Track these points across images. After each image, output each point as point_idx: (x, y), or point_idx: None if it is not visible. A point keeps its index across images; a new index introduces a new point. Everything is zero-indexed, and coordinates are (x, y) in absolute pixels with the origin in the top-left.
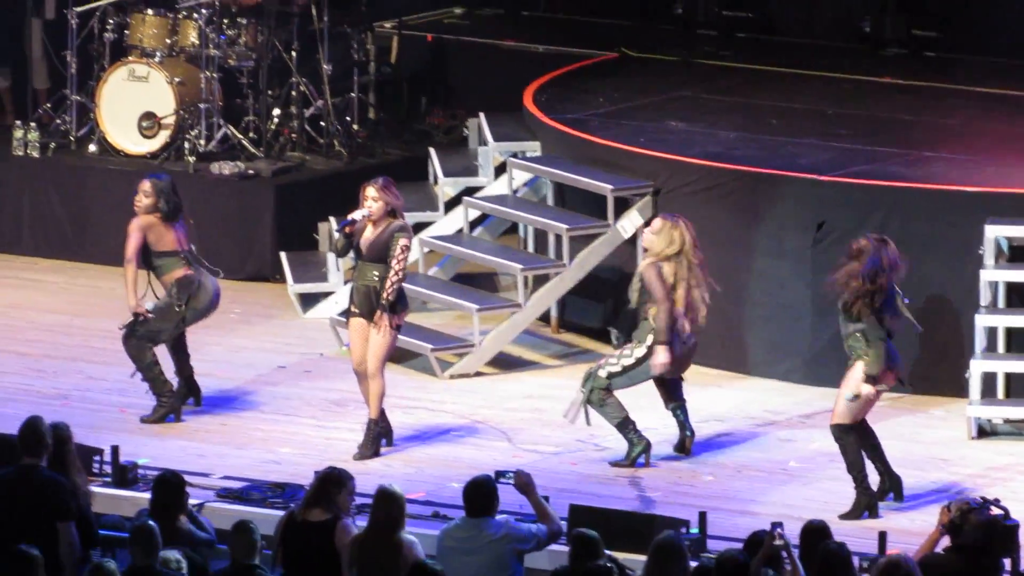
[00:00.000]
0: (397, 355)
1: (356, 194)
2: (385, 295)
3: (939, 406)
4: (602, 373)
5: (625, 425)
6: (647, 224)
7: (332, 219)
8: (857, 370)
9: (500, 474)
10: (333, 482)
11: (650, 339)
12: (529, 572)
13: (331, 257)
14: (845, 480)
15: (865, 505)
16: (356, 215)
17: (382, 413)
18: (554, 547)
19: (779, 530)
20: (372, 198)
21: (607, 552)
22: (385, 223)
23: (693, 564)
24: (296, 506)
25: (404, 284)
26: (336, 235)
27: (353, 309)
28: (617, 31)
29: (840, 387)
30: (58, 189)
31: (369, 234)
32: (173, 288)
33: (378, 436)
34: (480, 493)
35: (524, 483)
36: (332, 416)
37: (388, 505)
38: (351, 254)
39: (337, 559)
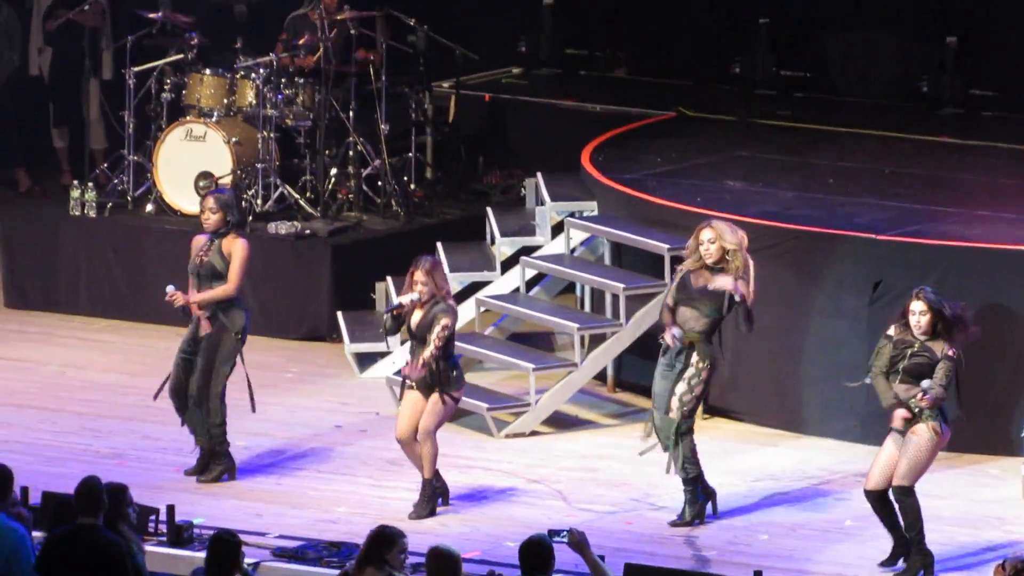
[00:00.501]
0: (453, 414)
1: (413, 253)
2: (422, 367)
3: (994, 465)
4: (677, 415)
5: (698, 480)
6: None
7: (389, 279)
8: (922, 430)
9: (553, 533)
10: (385, 541)
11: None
12: None
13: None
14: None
15: (921, 565)
16: (404, 299)
17: (437, 473)
18: None
19: None
20: (421, 282)
21: None
22: (431, 303)
23: None
24: (350, 566)
25: (463, 345)
26: (385, 316)
27: (409, 383)
28: (674, 91)
29: (904, 450)
30: (115, 249)
31: (417, 317)
32: (229, 320)
33: (433, 495)
34: (535, 552)
35: (578, 541)
36: (388, 475)
37: (442, 565)
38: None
39: None
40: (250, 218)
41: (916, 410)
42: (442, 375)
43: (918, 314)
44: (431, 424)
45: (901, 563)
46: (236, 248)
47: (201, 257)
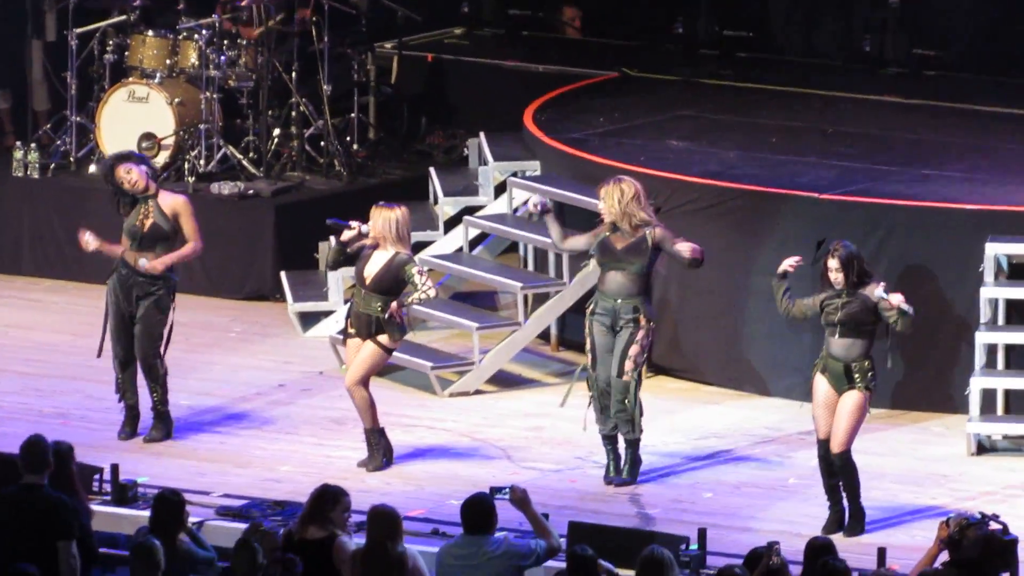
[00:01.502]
0: (396, 372)
1: (356, 214)
2: (411, 301)
3: (939, 422)
4: (632, 375)
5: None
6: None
7: (332, 238)
8: (856, 397)
9: (496, 490)
10: (328, 499)
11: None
12: None
13: (331, 276)
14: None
15: (859, 522)
16: (354, 223)
17: (382, 429)
18: (551, 563)
19: (777, 547)
20: (373, 217)
21: (606, 564)
22: (391, 253)
23: None
24: (293, 525)
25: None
26: (332, 242)
27: (350, 331)
28: (618, 51)
29: (839, 416)
30: (58, 210)
31: (374, 265)
32: (164, 285)
33: (380, 445)
34: (478, 510)
35: (520, 498)
36: (332, 434)
37: (383, 523)
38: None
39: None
40: (191, 178)
41: (855, 375)
42: (390, 321)
43: (834, 271)
44: (360, 373)
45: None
46: (180, 206)
47: (143, 221)
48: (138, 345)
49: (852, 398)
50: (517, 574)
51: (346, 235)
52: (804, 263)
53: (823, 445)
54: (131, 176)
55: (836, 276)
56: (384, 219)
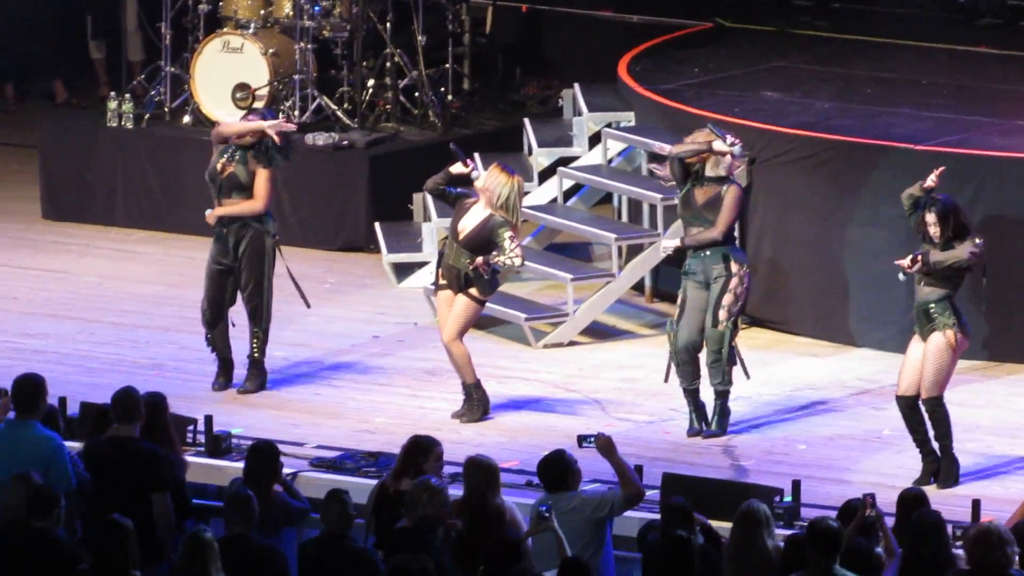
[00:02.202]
0: (491, 324)
1: (449, 164)
2: (495, 262)
3: None
4: (727, 325)
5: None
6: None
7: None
8: (938, 339)
9: (583, 438)
10: (420, 450)
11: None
12: (623, 540)
13: (425, 227)
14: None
15: (952, 473)
16: (470, 161)
17: (479, 382)
18: (645, 513)
19: (870, 500)
20: (488, 173)
21: (700, 517)
22: (487, 214)
23: (788, 532)
24: (387, 476)
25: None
26: (452, 149)
27: (441, 282)
28: (712, 1)
29: (925, 360)
30: (152, 160)
31: (469, 221)
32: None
33: (480, 400)
34: (553, 469)
35: (605, 445)
36: (426, 385)
37: (480, 474)
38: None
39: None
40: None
41: (933, 315)
42: (472, 277)
43: (931, 225)
44: (456, 329)
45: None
46: (262, 168)
47: (224, 166)
48: (262, 301)
49: (934, 340)
50: (598, 527)
51: (457, 168)
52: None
53: (901, 400)
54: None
55: (933, 230)
56: (498, 181)
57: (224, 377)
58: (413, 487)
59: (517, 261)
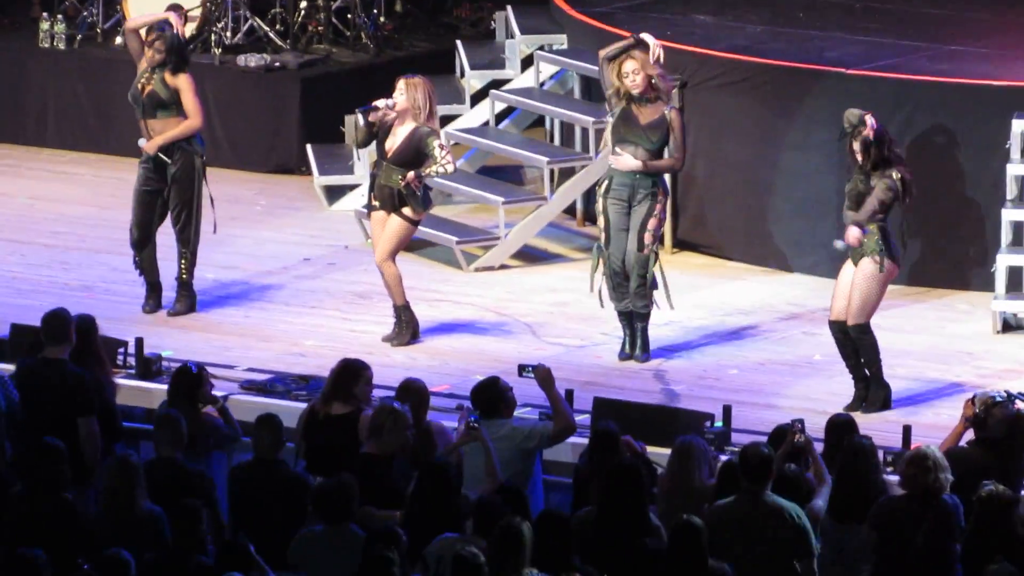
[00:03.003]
0: (422, 247)
1: (383, 87)
2: (428, 172)
3: (964, 300)
4: (651, 249)
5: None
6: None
7: (358, 112)
8: (867, 265)
9: (523, 367)
10: (350, 374)
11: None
12: (556, 466)
13: (357, 150)
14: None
15: (881, 398)
16: (379, 103)
17: (407, 305)
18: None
19: (799, 426)
20: (399, 90)
21: (637, 445)
22: (412, 127)
23: (722, 458)
24: (315, 401)
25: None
26: (360, 121)
27: (375, 204)
28: None
29: (853, 287)
30: (84, 81)
31: (396, 138)
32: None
33: (408, 322)
34: (483, 396)
35: (544, 377)
36: (356, 308)
37: (411, 397)
38: (373, 145)
39: (356, 447)
40: (217, 50)
41: (862, 243)
42: (410, 192)
43: (856, 152)
44: (388, 249)
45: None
46: (181, 81)
47: (143, 85)
48: (180, 222)
49: (863, 267)
50: (527, 455)
51: (373, 115)
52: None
53: (833, 325)
54: (154, 49)
55: (858, 157)
56: (409, 92)
57: (153, 300)
58: (376, 413)
59: (449, 168)
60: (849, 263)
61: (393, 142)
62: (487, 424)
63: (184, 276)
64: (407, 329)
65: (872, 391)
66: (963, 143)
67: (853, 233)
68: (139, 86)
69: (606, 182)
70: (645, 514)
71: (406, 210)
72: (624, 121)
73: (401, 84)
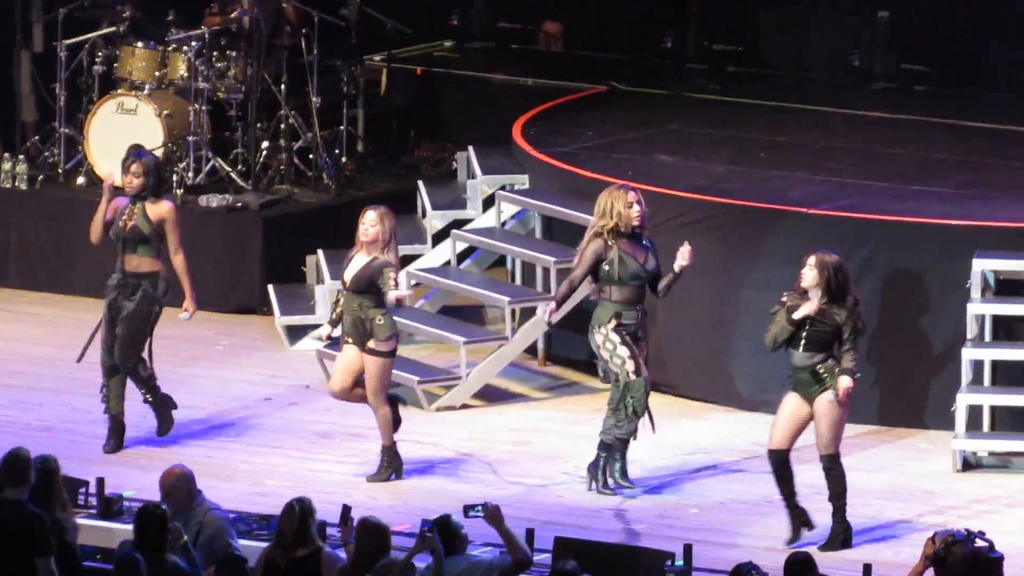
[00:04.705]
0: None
1: (345, 227)
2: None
3: (925, 439)
4: (632, 377)
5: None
6: None
7: (320, 252)
8: (831, 395)
9: (469, 508)
10: (308, 513)
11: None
12: None
13: (318, 289)
14: (828, 512)
15: (842, 534)
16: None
17: (394, 444)
18: None
19: (753, 572)
20: (371, 222)
21: None
22: (371, 257)
23: None
24: (271, 551)
25: (394, 318)
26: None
27: (345, 338)
28: (606, 65)
29: (819, 420)
30: (45, 221)
31: (354, 266)
32: (151, 281)
33: (392, 463)
34: (440, 533)
35: (493, 515)
36: (318, 448)
37: (372, 536)
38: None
39: None
40: (179, 190)
41: (823, 376)
42: (372, 325)
43: (807, 267)
44: (374, 388)
45: (804, 533)
46: (166, 213)
47: (126, 221)
48: (118, 347)
49: (826, 398)
50: None
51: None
52: (791, 277)
53: (772, 454)
54: (131, 173)
55: (808, 273)
56: (382, 220)
57: (115, 438)
58: (383, 568)
59: (390, 295)
60: (794, 396)
61: (351, 271)
62: (445, 562)
63: (155, 405)
64: (386, 469)
65: (834, 527)
66: (924, 282)
67: (845, 384)
68: (120, 223)
69: (614, 319)
70: None
71: (371, 343)
72: (627, 266)
73: (373, 215)
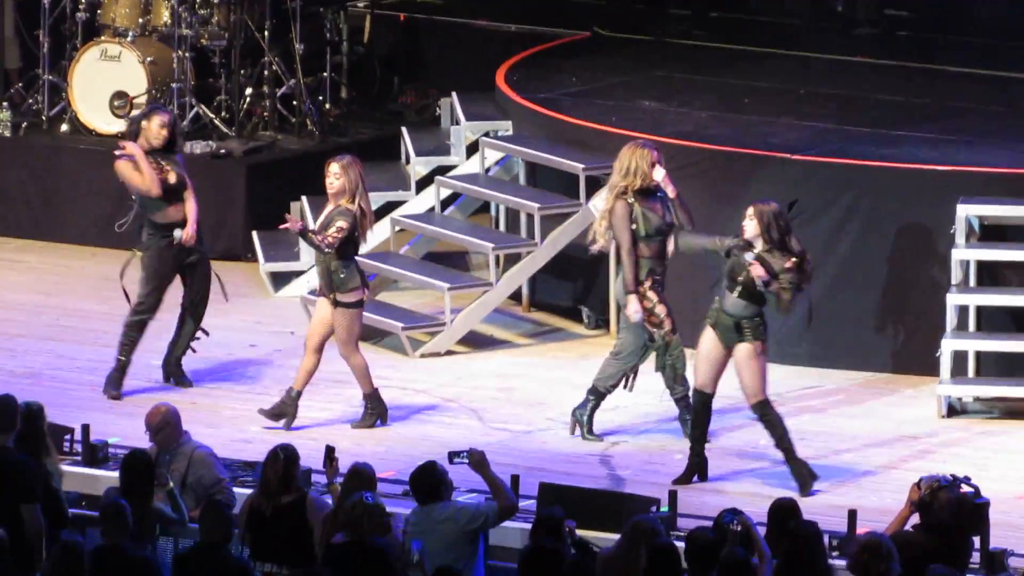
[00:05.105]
0: (369, 334)
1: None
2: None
3: (910, 385)
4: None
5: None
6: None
7: (304, 199)
8: (748, 348)
9: (454, 454)
10: (293, 461)
11: None
12: (502, 551)
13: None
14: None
15: (802, 473)
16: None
17: (376, 392)
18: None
19: (736, 519)
20: (334, 174)
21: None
22: (335, 204)
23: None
24: (255, 498)
25: (378, 264)
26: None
27: (319, 292)
28: (590, 10)
29: (740, 370)
30: (29, 169)
31: (322, 215)
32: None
33: (374, 410)
34: (423, 481)
35: (478, 461)
36: (303, 394)
37: (358, 483)
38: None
39: (306, 533)
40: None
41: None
42: (333, 276)
43: (746, 218)
44: (341, 343)
45: (696, 479)
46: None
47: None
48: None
49: (745, 350)
50: (471, 538)
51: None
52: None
53: (698, 394)
54: (164, 132)
55: (748, 224)
56: (345, 172)
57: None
58: (352, 507)
59: (324, 246)
60: (712, 335)
61: (319, 221)
62: (429, 508)
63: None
64: (371, 416)
65: (793, 471)
66: (908, 228)
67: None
68: (166, 177)
69: (651, 276)
70: None
71: (336, 295)
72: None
73: (336, 167)
